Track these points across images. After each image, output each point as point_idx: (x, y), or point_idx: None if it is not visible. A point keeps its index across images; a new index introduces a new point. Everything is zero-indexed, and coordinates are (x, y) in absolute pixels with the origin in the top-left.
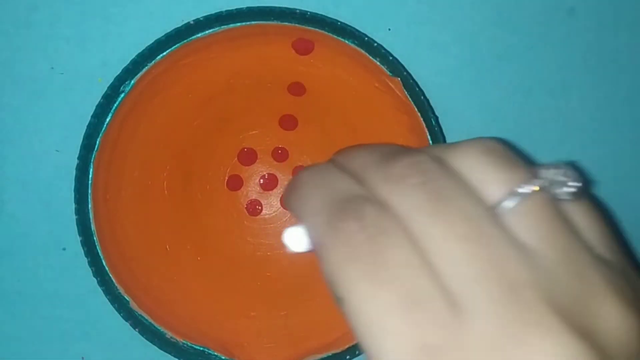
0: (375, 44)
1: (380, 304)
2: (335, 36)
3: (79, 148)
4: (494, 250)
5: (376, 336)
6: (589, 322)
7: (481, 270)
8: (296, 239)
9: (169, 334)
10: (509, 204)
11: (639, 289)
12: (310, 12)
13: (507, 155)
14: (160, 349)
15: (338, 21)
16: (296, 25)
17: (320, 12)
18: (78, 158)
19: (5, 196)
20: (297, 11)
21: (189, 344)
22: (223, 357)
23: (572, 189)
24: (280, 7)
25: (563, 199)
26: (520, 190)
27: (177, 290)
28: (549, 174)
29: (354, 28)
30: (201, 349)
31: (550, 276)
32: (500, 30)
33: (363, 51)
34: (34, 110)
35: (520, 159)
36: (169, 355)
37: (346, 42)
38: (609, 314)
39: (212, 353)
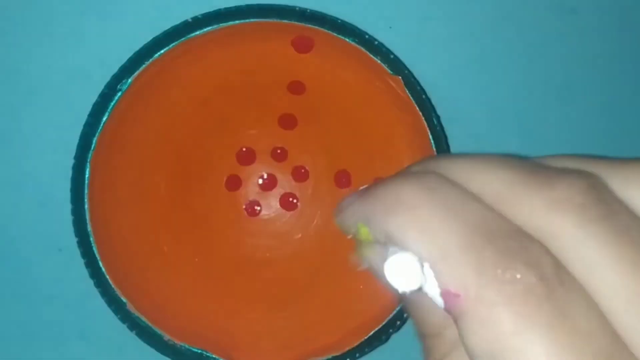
0: (376, 42)
1: None
2: (336, 34)
3: (75, 147)
4: None
5: None
6: None
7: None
8: (404, 273)
9: (166, 336)
10: None
11: None
12: (310, 9)
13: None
14: (158, 351)
15: (338, 19)
16: (296, 22)
17: (320, 10)
18: (74, 158)
19: (0, 196)
20: (297, 9)
21: (186, 346)
22: None
23: None
24: (279, 5)
25: None
26: None
27: (174, 291)
28: None
29: (355, 26)
30: (199, 351)
31: None
32: (503, 29)
33: (363, 49)
34: (30, 109)
35: None
36: (167, 358)
37: (346, 40)
38: None
39: (210, 355)
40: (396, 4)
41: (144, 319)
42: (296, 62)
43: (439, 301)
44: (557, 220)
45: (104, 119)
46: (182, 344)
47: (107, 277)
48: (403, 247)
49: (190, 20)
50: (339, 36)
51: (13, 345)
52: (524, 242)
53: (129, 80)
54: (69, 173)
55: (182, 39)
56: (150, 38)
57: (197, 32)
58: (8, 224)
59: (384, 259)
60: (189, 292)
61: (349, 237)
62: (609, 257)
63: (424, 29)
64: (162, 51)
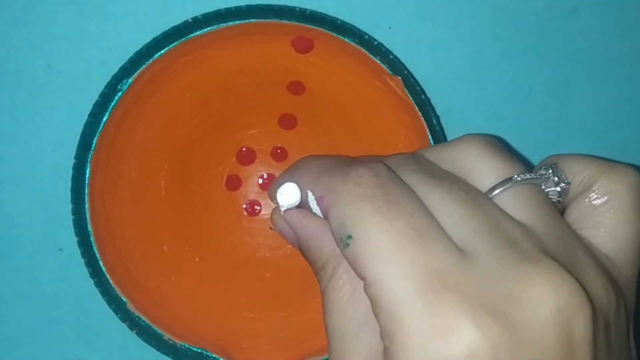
0: (376, 42)
1: (392, 233)
2: (335, 34)
3: (75, 147)
4: (490, 212)
5: (386, 264)
6: (577, 275)
7: (481, 224)
8: (287, 194)
9: (166, 336)
10: (502, 187)
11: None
12: (309, 10)
13: (503, 149)
14: (158, 350)
15: (338, 19)
16: (295, 23)
17: (320, 10)
18: (75, 157)
19: (1, 196)
20: (297, 9)
21: (186, 345)
22: (221, 359)
23: (561, 189)
24: (279, 5)
25: (551, 197)
26: (515, 177)
27: (174, 291)
28: (542, 171)
29: (354, 26)
30: (199, 350)
31: (542, 240)
32: (502, 29)
33: (363, 49)
34: (31, 109)
35: (515, 155)
36: (167, 357)
37: (346, 40)
38: (593, 279)
39: (210, 355)
40: (396, 4)
41: (144, 318)
42: (296, 62)
43: (317, 209)
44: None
45: (105, 119)
46: (182, 344)
47: (108, 276)
48: (299, 187)
49: (190, 20)
50: (339, 36)
51: (13, 344)
52: (371, 161)
53: (130, 80)
54: (70, 173)
55: (183, 39)
56: (150, 38)
57: (197, 33)
58: (9, 223)
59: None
60: (189, 292)
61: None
62: (423, 183)
63: (423, 29)
64: (162, 51)
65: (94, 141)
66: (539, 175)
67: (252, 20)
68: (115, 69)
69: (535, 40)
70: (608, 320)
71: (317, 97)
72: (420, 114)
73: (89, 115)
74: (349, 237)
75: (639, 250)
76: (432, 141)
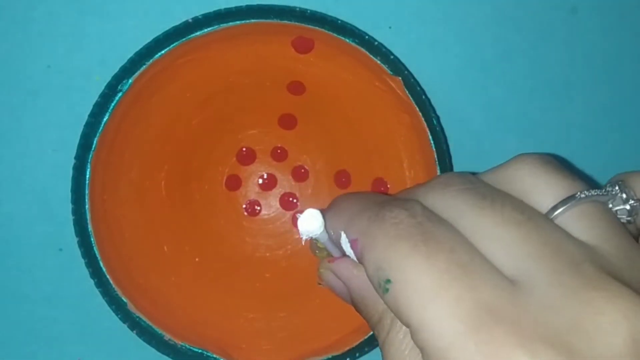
0: (376, 43)
1: (433, 272)
2: (336, 34)
3: (76, 147)
4: (549, 234)
5: (430, 306)
6: None
7: (537, 248)
8: (308, 220)
9: (166, 336)
10: (564, 206)
11: None
12: (310, 10)
13: (561, 166)
14: (158, 351)
15: (338, 19)
16: (296, 23)
17: (320, 10)
18: (75, 158)
19: (1, 196)
20: (297, 9)
21: (187, 346)
22: (221, 359)
23: (630, 207)
24: (279, 5)
25: (620, 217)
26: (578, 195)
27: (175, 291)
28: (607, 188)
29: (354, 26)
30: (199, 351)
31: (611, 263)
32: (503, 29)
33: (363, 50)
34: (31, 109)
35: (576, 173)
36: (167, 358)
37: (346, 40)
38: None
39: (211, 355)
40: (396, 4)
41: (144, 318)
42: (296, 62)
43: (350, 252)
44: (430, 195)
45: (105, 119)
46: (182, 344)
47: (108, 277)
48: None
49: (190, 20)
50: (339, 37)
51: (13, 344)
52: (406, 201)
53: (130, 80)
54: (70, 173)
55: (183, 39)
56: (150, 38)
57: (198, 33)
58: (9, 223)
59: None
60: (189, 292)
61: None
62: (468, 207)
63: (424, 30)
64: (162, 51)
65: (95, 141)
66: (605, 192)
67: (252, 20)
68: (115, 69)
69: (535, 40)
70: None
71: (318, 97)
72: (420, 114)
73: (89, 115)
74: (388, 281)
75: None
76: (432, 141)
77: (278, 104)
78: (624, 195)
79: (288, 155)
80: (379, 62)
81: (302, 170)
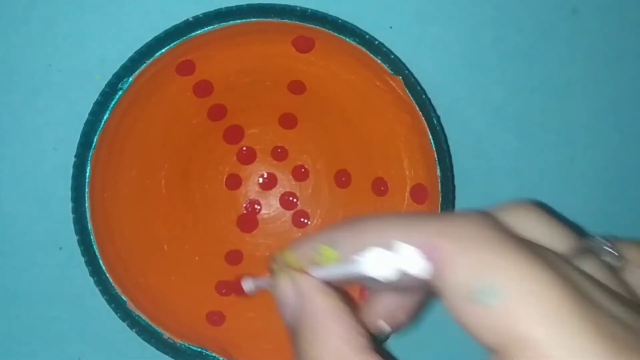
0: (377, 42)
1: (551, 284)
2: (336, 34)
3: (76, 146)
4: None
5: (556, 321)
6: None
7: None
8: (379, 261)
9: (166, 335)
10: (576, 255)
11: None
12: (310, 9)
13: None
14: (158, 349)
15: (339, 19)
16: (296, 22)
17: (321, 10)
18: (75, 156)
19: (1, 194)
20: (298, 8)
21: (186, 344)
22: (221, 358)
23: (613, 258)
24: (280, 5)
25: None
26: (582, 245)
27: (174, 290)
28: (597, 241)
29: (355, 26)
30: (199, 349)
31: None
32: (503, 29)
33: (364, 49)
34: (31, 107)
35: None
36: (167, 356)
37: (347, 40)
38: None
39: (210, 354)
40: (397, 4)
41: (144, 317)
42: (297, 61)
43: (421, 266)
44: None
45: (105, 117)
46: (182, 343)
47: (108, 275)
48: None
49: (191, 19)
50: (340, 36)
51: (12, 343)
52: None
53: (130, 79)
54: (70, 171)
55: (183, 38)
56: (151, 37)
57: (198, 32)
58: (9, 222)
59: (347, 269)
60: (189, 291)
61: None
62: None
63: (424, 30)
64: (163, 50)
65: (95, 140)
66: (597, 244)
67: (253, 19)
68: (115, 67)
69: (535, 40)
70: None
71: (318, 97)
72: (420, 114)
73: (90, 113)
74: (491, 291)
75: None
76: (432, 141)
77: (278, 103)
78: (610, 249)
79: (288, 154)
80: (379, 61)
81: (303, 170)
